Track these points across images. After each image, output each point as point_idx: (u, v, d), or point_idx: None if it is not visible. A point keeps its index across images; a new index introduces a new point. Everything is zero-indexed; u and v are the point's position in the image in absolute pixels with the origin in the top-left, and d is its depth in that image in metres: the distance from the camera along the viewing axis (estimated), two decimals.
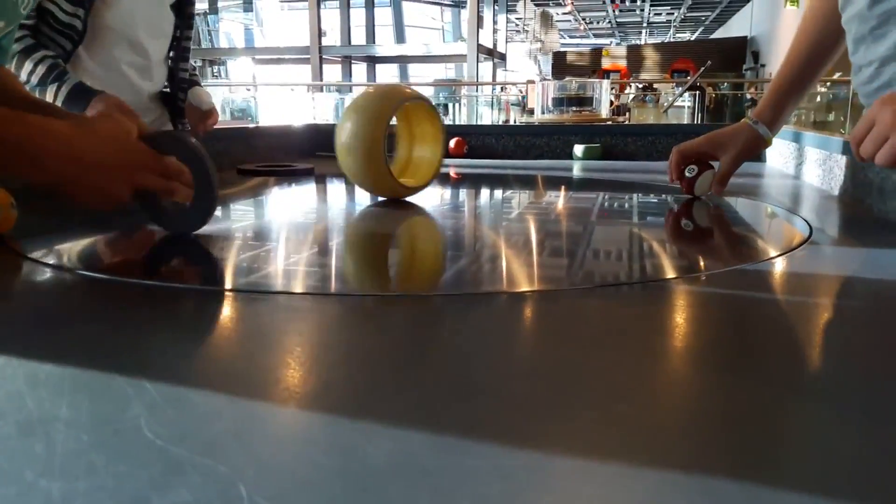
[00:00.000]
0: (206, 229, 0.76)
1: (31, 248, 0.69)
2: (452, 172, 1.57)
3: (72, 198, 0.65)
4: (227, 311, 0.52)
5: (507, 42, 12.33)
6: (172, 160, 0.70)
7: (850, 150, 0.87)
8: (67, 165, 0.63)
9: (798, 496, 0.26)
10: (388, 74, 14.61)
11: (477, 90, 9.61)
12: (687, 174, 1.03)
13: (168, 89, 1.57)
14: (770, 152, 1.70)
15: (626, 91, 8.82)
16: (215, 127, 1.58)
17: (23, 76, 1.27)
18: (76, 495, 0.25)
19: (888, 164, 0.68)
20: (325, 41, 11.24)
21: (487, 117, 8.99)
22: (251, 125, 3.37)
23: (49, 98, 1.26)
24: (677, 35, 19.97)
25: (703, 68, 5.21)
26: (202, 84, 1.62)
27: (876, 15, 0.84)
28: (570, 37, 19.61)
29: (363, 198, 1.08)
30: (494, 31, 10.92)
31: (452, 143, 1.90)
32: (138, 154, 0.67)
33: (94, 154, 0.64)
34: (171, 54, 1.53)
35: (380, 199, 1.05)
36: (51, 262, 0.67)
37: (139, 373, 0.37)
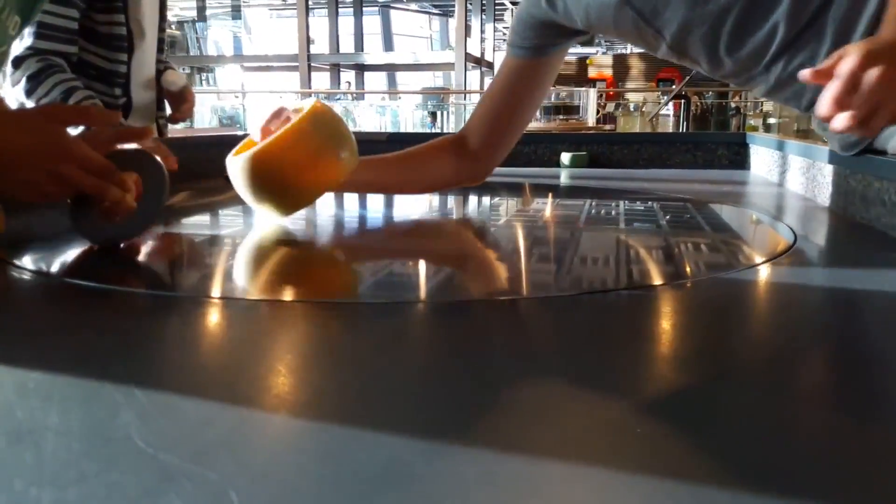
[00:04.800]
0: (195, 235, 0.76)
1: (17, 254, 0.69)
2: None
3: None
4: (216, 318, 0.52)
5: (494, 51, 12.38)
6: (105, 161, 0.65)
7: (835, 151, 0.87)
8: None
9: (786, 501, 0.26)
10: (376, 82, 14.61)
11: (465, 98, 9.63)
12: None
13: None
14: (754, 160, 1.72)
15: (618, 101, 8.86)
16: (204, 135, 1.58)
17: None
18: None
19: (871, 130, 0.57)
20: (313, 49, 11.24)
21: None
22: (240, 133, 3.36)
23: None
24: None
25: (687, 77, 5.26)
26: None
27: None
28: None
29: (345, 203, 1.08)
30: (482, 39, 10.97)
31: None
32: (62, 146, 0.63)
33: (11, 144, 0.61)
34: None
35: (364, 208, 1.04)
36: (37, 268, 0.66)
37: (129, 380, 0.37)
